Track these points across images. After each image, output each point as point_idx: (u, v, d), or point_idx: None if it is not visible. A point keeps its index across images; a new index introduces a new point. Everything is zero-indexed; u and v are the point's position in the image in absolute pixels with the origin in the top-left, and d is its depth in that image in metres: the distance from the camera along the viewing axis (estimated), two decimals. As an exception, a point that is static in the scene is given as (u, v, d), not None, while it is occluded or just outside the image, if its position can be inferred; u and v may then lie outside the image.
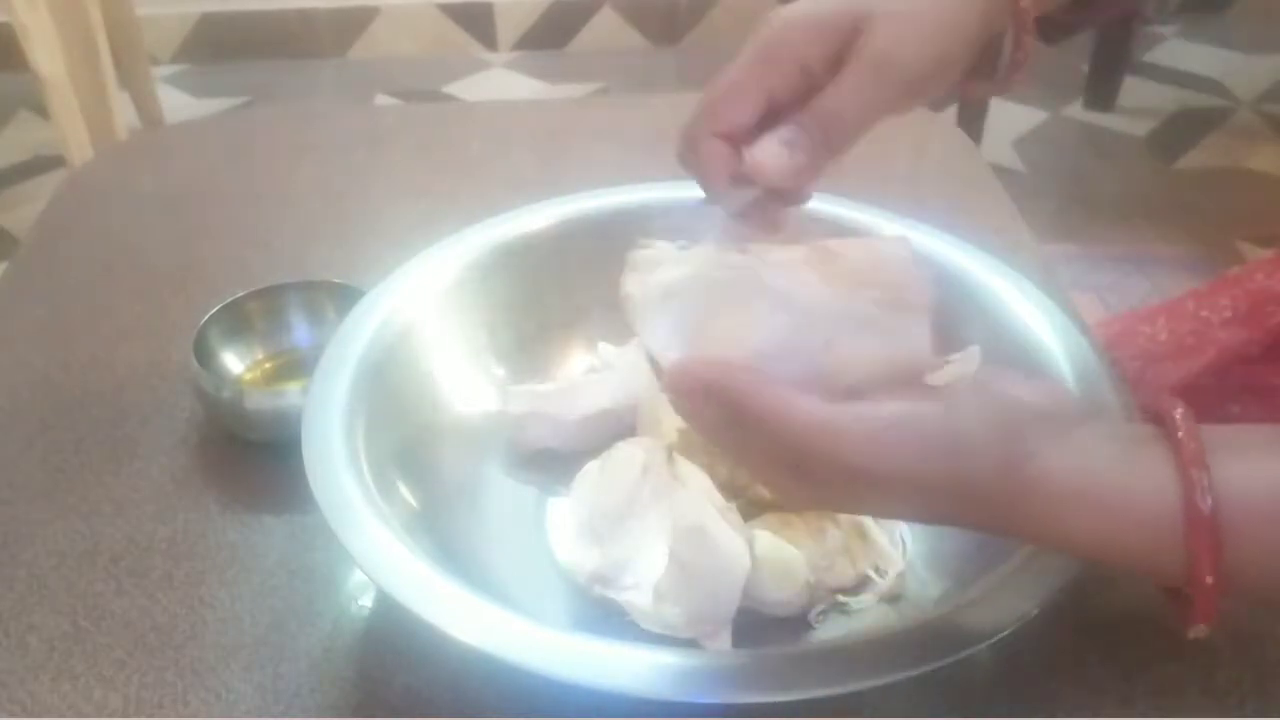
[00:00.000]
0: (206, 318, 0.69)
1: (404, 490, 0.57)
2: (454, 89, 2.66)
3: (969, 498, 0.41)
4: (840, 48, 0.48)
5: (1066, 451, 0.41)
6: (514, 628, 0.47)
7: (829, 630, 0.55)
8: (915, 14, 0.48)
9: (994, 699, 0.53)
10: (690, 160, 0.50)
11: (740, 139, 0.49)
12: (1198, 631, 0.41)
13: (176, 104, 2.54)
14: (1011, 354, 0.61)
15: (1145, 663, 0.54)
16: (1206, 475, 0.39)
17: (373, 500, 0.52)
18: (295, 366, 0.72)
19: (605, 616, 0.56)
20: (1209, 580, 0.39)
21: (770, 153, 0.47)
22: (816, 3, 0.49)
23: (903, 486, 0.41)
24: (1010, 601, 0.47)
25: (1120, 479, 0.41)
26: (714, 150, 0.49)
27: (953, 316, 0.66)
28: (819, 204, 0.70)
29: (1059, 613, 0.47)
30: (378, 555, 0.50)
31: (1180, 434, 0.40)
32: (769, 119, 0.49)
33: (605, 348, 0.65)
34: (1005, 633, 0.46)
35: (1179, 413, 0.41)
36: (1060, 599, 0.47)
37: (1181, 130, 2.44)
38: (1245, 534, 0.39)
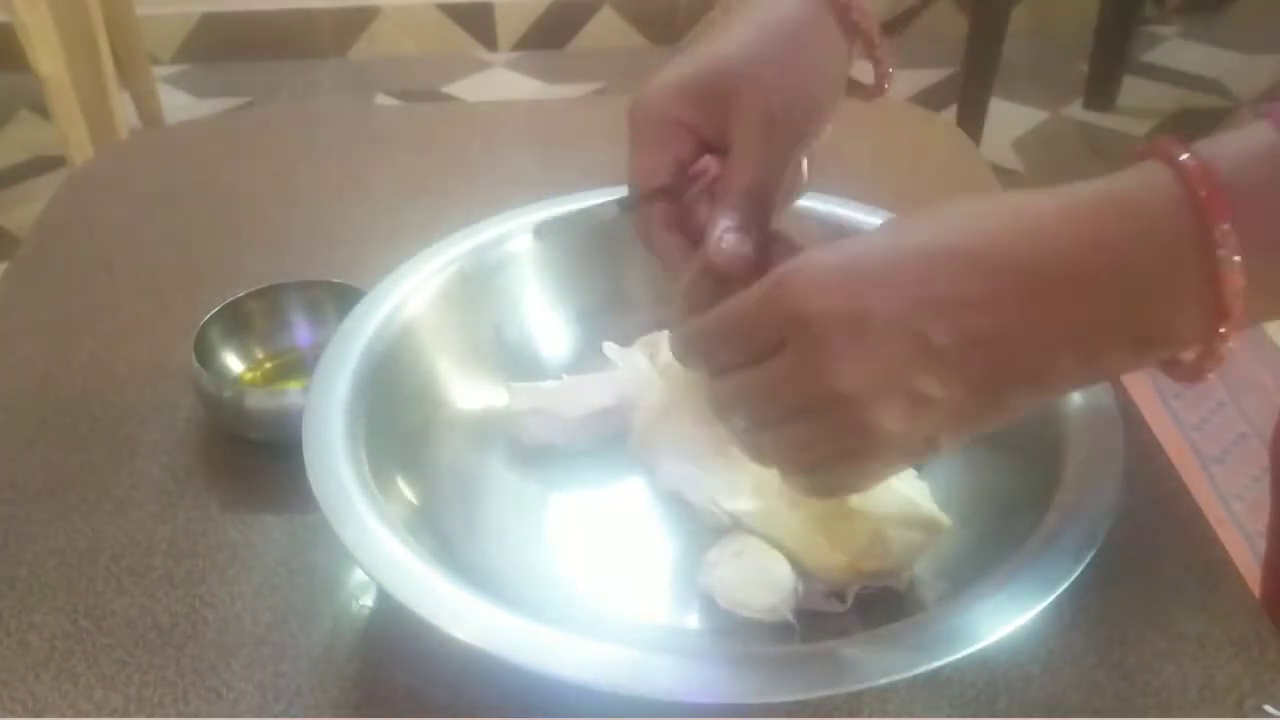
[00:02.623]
0: (207, 317, 0.69)
1: (404, 489, 0.57)
2: (454, 89, 2.66)
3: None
4: (718, 111, 0.51)
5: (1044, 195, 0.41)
6: (514, 627, 0.47)
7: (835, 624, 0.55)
8: (779, 69, 0.50)
9: (994, 699, 0.53)
10: (654, 251, 0.54)
11: (679, 199, 0.53)
12: (1234, 263, 0.38)
13: (177, 104, 2.54)
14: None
15: (1145, 663, 0.54)
16: (1184, 148, 0.39)
17: (373, 499, 0.52)
18: (295, 366, 0.72)
19: (605, 615, 0.56)
20: (1224, 227, 0.37)
21: (727, 253, 0.49)
22: (680, 70, 0.52)
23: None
24: (1010, 602, 0.47)
25: (1103, 190, 0.40)
26: (668, 245, 0.53)
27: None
28: (820, 204, 0.71)
29: (1059, 613, 0.47)
30: (378, 554, 0.50)
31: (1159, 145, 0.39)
32: (687, 176, 0.53)
33: (609, 346, 0.65)
34: (1005, 633, 0.46)
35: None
36: (1061, 598, 0.47)
37: (1181, 130, 2.43)
38: (1239, 160, 0.38)
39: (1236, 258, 0.37)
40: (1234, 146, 0.39)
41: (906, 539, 0.54)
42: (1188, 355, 0.40)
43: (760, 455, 0.48)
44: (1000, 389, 0.41)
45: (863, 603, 0.55)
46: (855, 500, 0.53)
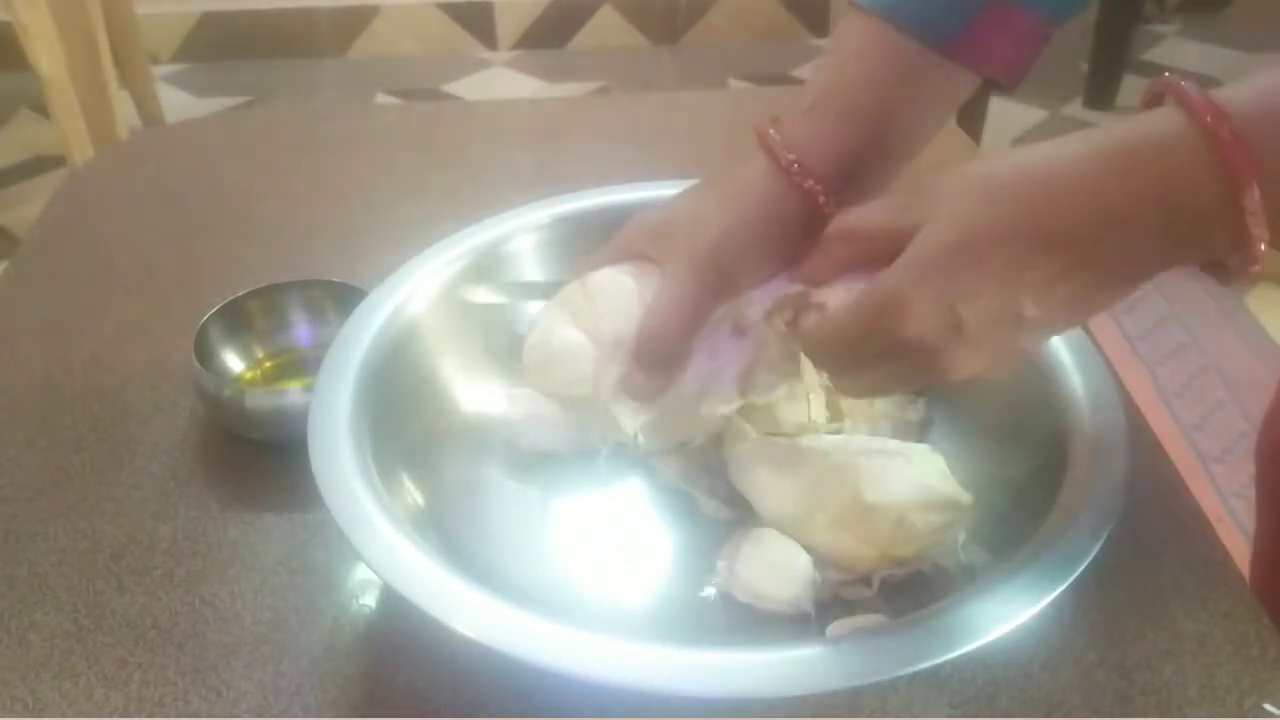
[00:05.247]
0: (207, 317, 0.69)
1: (409, 489, 0.57)
2: (454, 88, 2.66)
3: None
4: (663, 250, 0.56)
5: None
6: (522, 623, 0.47)
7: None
8: (717, 224, 0.54)
9: (994, 699, 0.53)
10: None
11: None
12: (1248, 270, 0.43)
13: (177, 103, 2.54)
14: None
15: (1145, 663, 0.54)
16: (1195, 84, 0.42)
17: (379, 497, 0.52)
18: (295, 365, 0.72)
19: (608, 613, 0.56)
20: (1225, 137, 0.41)
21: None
22: (656, 212, 0.57)
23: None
24: (1010, 601, 0.47)
25: (1121, 132, 0.44)
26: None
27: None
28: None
29: (1059, 613, 0.47)
30: (383, 551, 0.50)
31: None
32: None
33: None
34: (1005, 632, 0.46)
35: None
36: (1061, 597, 0.47)
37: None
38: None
39: (1257, 196, 0.41)
40: (1248, 89, 0.42)
41: (930, 521, 0.55)
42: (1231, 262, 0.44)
43: (874, 386, 0.52)
44: (1087, 305, 0.46)
45: (888, 587, 0.55)
46: (872, 494, 0.54)
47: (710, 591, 0.57)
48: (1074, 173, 0.44)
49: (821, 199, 0.54)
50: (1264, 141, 0.41)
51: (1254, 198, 0.41)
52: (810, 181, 0.54)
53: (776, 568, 0.55)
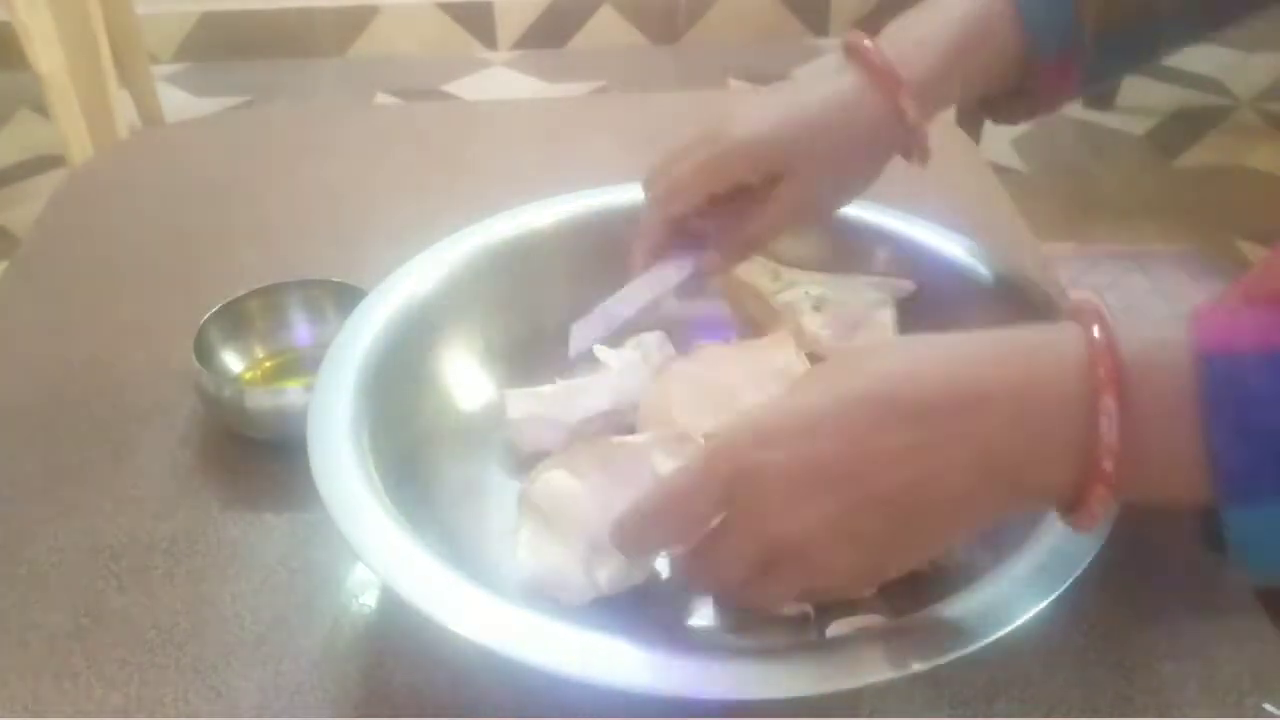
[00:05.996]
0: (207, 316, 0.69)
1: (408, 490, 0.57)
2: (454, 88, 2.66)
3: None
4: (771, 180, 0.60)
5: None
6: (521, 623, 0.47)
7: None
8: (829, 165, 0.60)
9: (994, 699, 0.53)
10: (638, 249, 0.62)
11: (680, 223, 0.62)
12: (1108, 467, 0.42)
13: (177, 103, 2.54)
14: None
15: (1145, 663, 0.54)
16: (1098, 314, 0.42)
17: (379, 497, 0.52)
18: (295, 365, 0.72)
19: (606, 616, 0.56)
20: (1109, 401, 0.41)
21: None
22: (756, 130, 0.60)
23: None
24: (1010, 601, 0.47)
25: (1022, 343, 0.44)
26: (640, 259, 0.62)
27: (952, 313, 0.66)
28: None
29: (1059, 612, 0.47)
30: (383, 551, 0.50)
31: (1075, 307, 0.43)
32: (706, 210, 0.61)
33: (604, 349, 0.65)
34: (1005, 633, 0.46)
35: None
36: (1061, 597, 0.47)
37: (1181, 128, 2.44)
38: (1143, 349, 0.41)
39: (1114, 430, 0.40)
40: (1147, 333, 0.42)
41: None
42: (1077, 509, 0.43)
43: (729, 599, 0.53)
44: (927, 517, 0.44)
45: (887, 587, 0.55)
46: None
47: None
48: (951, 348, 0.45)
49: (910, 115, 0.59)
50: (1135, 367, 0.41)
51: (1110, 406, 0.40)
52: (905, 98, 0.58)
53: None
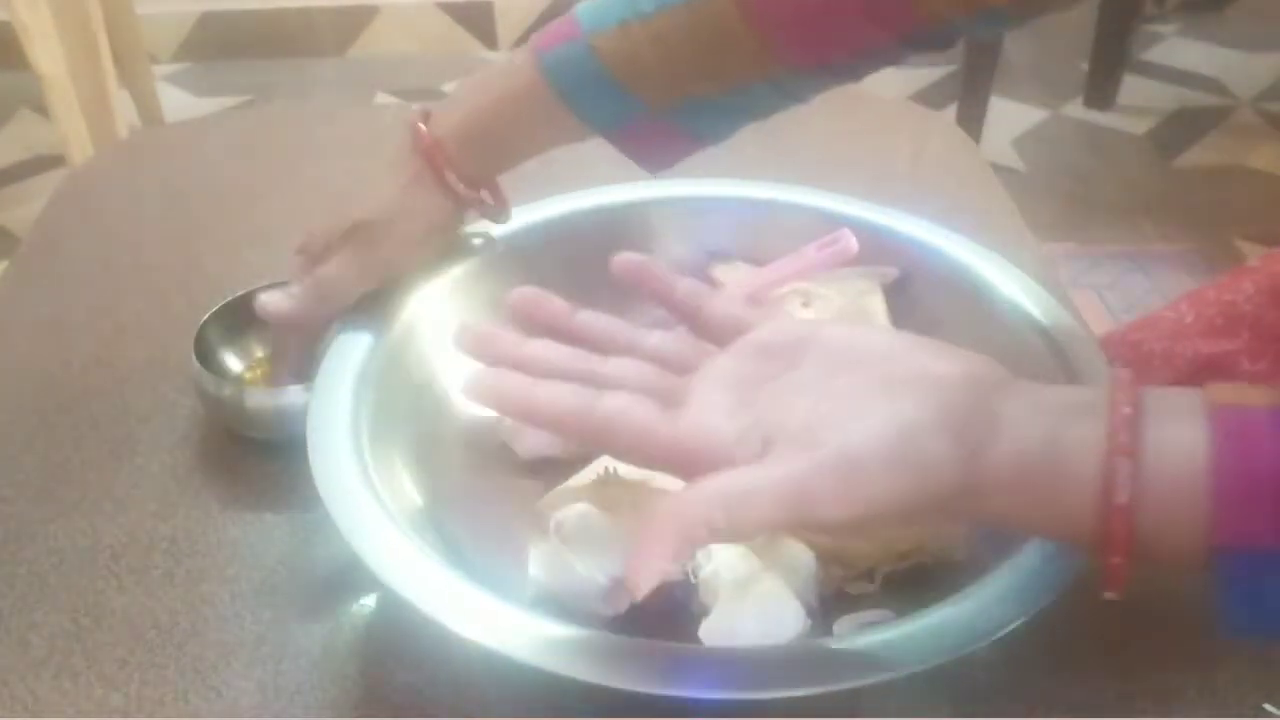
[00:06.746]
0: (207, 316, 0.69)
1: (408, 490, 0.57)
2: (454, 88, 2.65)
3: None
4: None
5: (1002, 438, 0.43)
6: (521, 623, 0.47)
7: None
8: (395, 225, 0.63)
9: (994, 699, 0.53)
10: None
11: None
12: (1111, 596, 0.43)
13: (177, 103, 2.54)
14: (1010, 351, 0.61)
15: (1145, 663, 0.54)
16: (1129, 464, 0.41)
17: (378, 497, 0.52)
18: (296, 365, 0.72)
19: (605, 615, 0.56)
20: (1116, 560, 0.42)
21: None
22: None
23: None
24: (1010, 601, 0.47)
25: (1048, 467, 0.43)
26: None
27: (952, 314, 0.66)
28: (822, 202, 0.71)
29: (1059, 613, 0.47)
30: (383, 551, 0.50)
31: (1115, 414, 0.42)
32: None
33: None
34: (1005, 632, 0.46)
35: (1121, 385, 0.43)
36: (1060, 599, 0.47)
37: (1181, 128, 2.44)
38: (1161, 515, 0.41)
39: (1125, 496, 0.41)
40: (1169, 406, 0.43)
41: (935, 516, 0.55)
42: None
43: None
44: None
45: (891, 582, 0.55)
46: None
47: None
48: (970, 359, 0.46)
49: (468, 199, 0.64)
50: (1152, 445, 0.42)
51: (1126, 465, 0.41)
52: (464, 188, 0.63)
53: (764, 622, 0.52)
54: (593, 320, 0.53)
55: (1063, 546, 0.49)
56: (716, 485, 0.42)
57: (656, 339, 0.52)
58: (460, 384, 0.50)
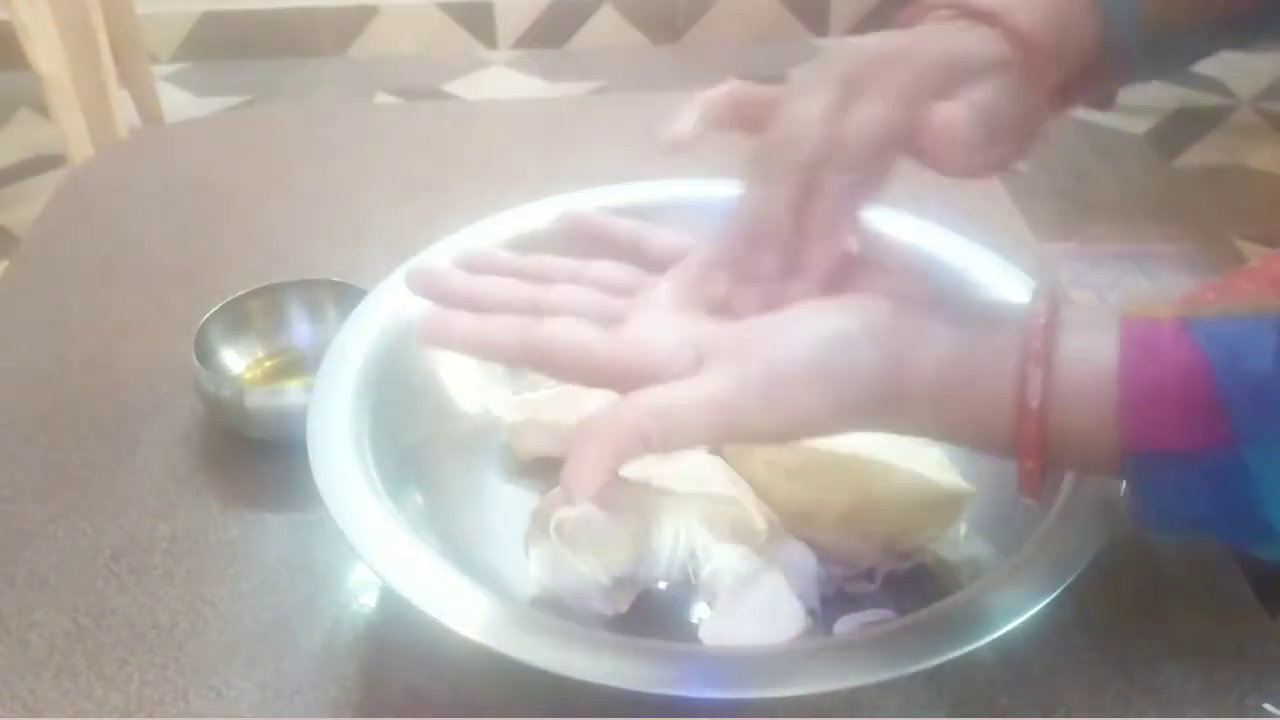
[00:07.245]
0: (207, 316, 0.69)
1: (408, 490, 0.57)
2: (454, 87, 2.66)
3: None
4: None
5: (924, 347, 0.45)
6: (521, 623, 0.47)
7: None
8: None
9: (994, 699, 0.53)
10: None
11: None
12: (1027, 500, 0.45)
13: (177, 102, 2.54)
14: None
15: (1145, 663, 0.54)
16: (1040, 370, 0.43)
17: (379, 497, 0.52)
18: (295, 365, 0.72)
19: (606, 615, 0.56)
20: (1029, 464, 0.44)
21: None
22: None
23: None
24: (1009, 600, 0.47)
25: (966, 372, 0.44)
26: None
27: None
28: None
29: (1059, 612, 0.47)
30: (383, 551, 0.50)
31: (1030, 323, 0.43)
32: None
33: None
34: (1005, 632, 0.46)
35: (1039, 297, 0.44)
36: (1061, 597, 0.47)
37: (1181, 128, 2.44)
38: (1071, 420, 0.43)
39: (1036, 401, 0.43)
40: (1082, 319, 0.44)
41: (933, 517, 0.55)
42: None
43: None
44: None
45: (891, 581, 0.55)
46: (875, 488, 0.55)
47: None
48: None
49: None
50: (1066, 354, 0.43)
51: (1035, 373, 0.43)
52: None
53: (763, 623, 0.52)
54: (538, 259, 0.54)
55: (1063, 546, 0.49)
56: (650, 397, 0.43)
57: (601, 268, 0.53)
58: (416, 331, 0.50)
